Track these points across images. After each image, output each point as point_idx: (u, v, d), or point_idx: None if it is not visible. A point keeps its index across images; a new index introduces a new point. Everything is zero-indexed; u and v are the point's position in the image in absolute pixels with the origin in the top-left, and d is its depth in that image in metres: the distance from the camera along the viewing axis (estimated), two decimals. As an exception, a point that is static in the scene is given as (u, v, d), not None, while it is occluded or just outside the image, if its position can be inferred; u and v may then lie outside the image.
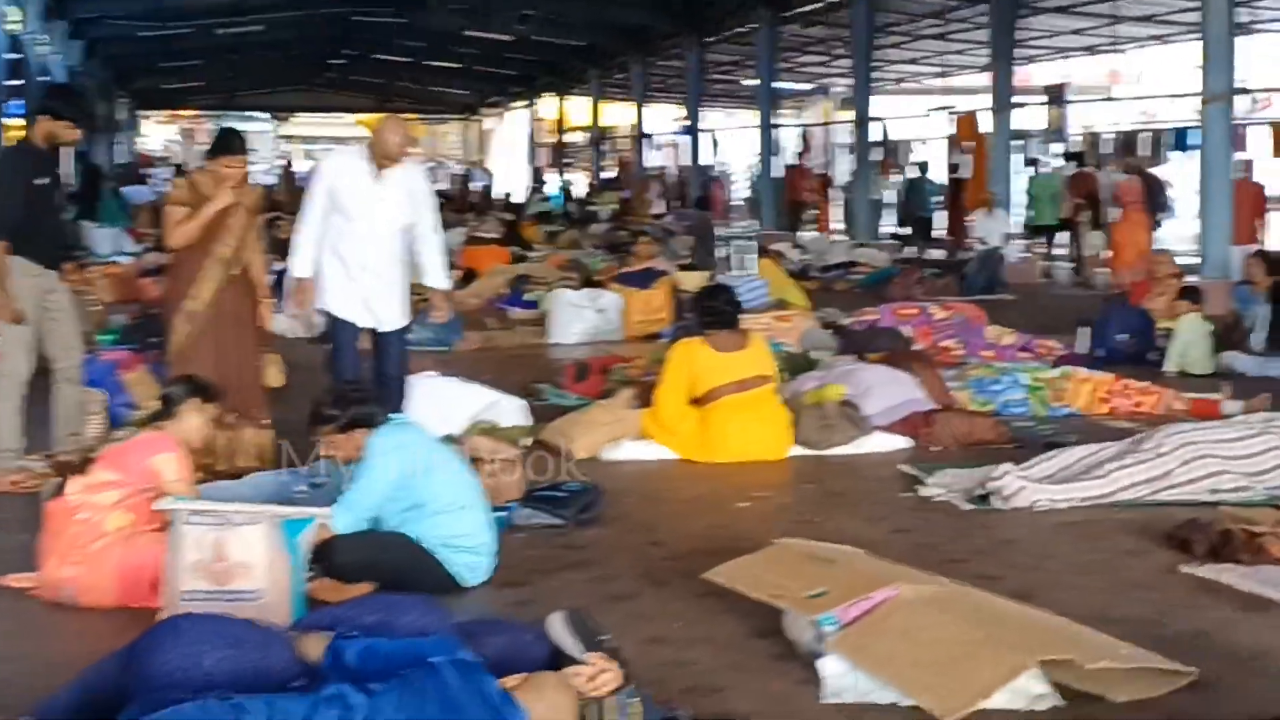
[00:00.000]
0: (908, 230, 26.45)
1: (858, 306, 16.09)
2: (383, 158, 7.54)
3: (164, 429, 5.92)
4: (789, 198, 30.07)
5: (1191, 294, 11.82)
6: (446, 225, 28.50)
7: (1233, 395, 9.64)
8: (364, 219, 7.60)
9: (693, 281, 15.69)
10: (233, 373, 7.68)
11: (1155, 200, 19.43)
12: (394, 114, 7.99)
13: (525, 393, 10.12)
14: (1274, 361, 11.15)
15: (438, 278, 7.97)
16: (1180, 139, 23.68)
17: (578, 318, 13.50)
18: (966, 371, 9.64)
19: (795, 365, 10.00)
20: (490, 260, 20.23)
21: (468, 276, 19.25)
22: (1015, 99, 22.57)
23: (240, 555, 5.18)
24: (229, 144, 7.91)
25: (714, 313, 8.27)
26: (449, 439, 7.97)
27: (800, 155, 33.60)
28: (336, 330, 7.76)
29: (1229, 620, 5.42)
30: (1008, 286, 19.18)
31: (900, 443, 8.34)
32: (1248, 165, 19.66)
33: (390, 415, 5.81)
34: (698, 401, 8.12)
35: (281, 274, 15.52)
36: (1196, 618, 5.46)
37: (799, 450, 8.18)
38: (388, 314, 7.73)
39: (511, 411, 8.53)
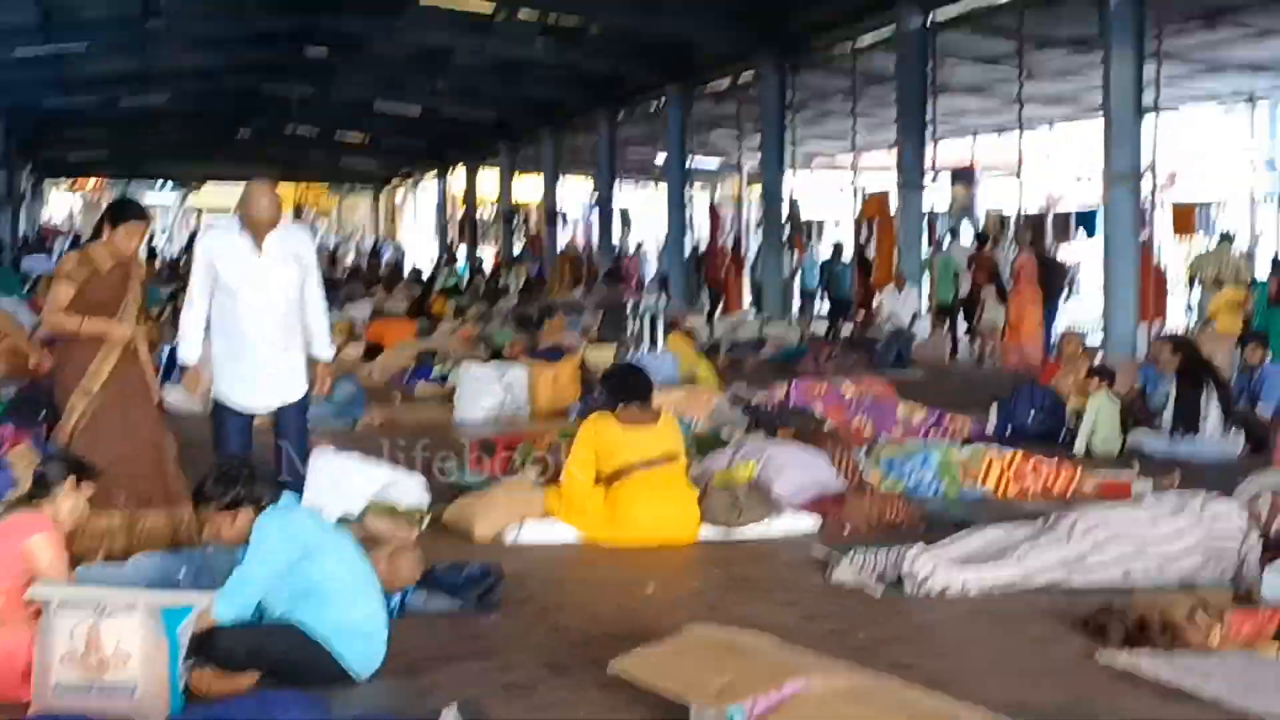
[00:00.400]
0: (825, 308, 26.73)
1: (768, 383, 16.01)
2: (255, 225, 7.18)
3: (39, 509, 5.61)
4: (710, 276, 29.82)
5: (1102, 372, 11.79)
6: (353, 298, 28.49)
7: (1142, 475, 9.59)
8: (252, 291, 7.23)
9: (601, 357, 15.54)
10: (146, 452, 7.35)
11: (1053, 280, 19.74)
12: (260, 177, 7.53)
13: (428, 470, 9.88)
14: (1181, 441, 11.12)
15: (321, 348, 7.54)
16: (1087, 220, 23.97)
17: (485, 392, 13.23)
18: (877, 450, 9.50)
19: (704, 443, 9.82)
20: (397, 334, 19.95)
21: (373, 351, 18.99)
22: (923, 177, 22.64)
23: (115, 646, 4.89)
24: (125, 213, 7.55)
25: (625, 389, 8.08)
26: (345, 520, 7.73)
27: (712, 232, 33.65)
28: (224, 417, 7.36)
29: (1148, 709, 5.28)
30: (917, 364, 19.17)
31: (811, 523, 8.16)
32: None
33: (278, 496, 5.52)
34: (605, 480, 7.91)
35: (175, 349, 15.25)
36: (1115, 707, 5.31)
37: (709, 530, 7.97)
38: (285, 388, 7.37)
39: (411, 490, 8.25)
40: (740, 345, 21.67)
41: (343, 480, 7.97)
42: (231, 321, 7.27)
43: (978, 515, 8.52)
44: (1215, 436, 11.12)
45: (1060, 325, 20.51)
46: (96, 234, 7.69)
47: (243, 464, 5.61)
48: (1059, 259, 23.94)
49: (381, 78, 37.14)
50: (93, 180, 63.57)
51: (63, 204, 68.11)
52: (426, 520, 8.05)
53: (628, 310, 15.97)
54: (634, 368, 8.60)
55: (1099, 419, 11.35)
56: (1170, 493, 7.93)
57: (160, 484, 7.36)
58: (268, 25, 29.71)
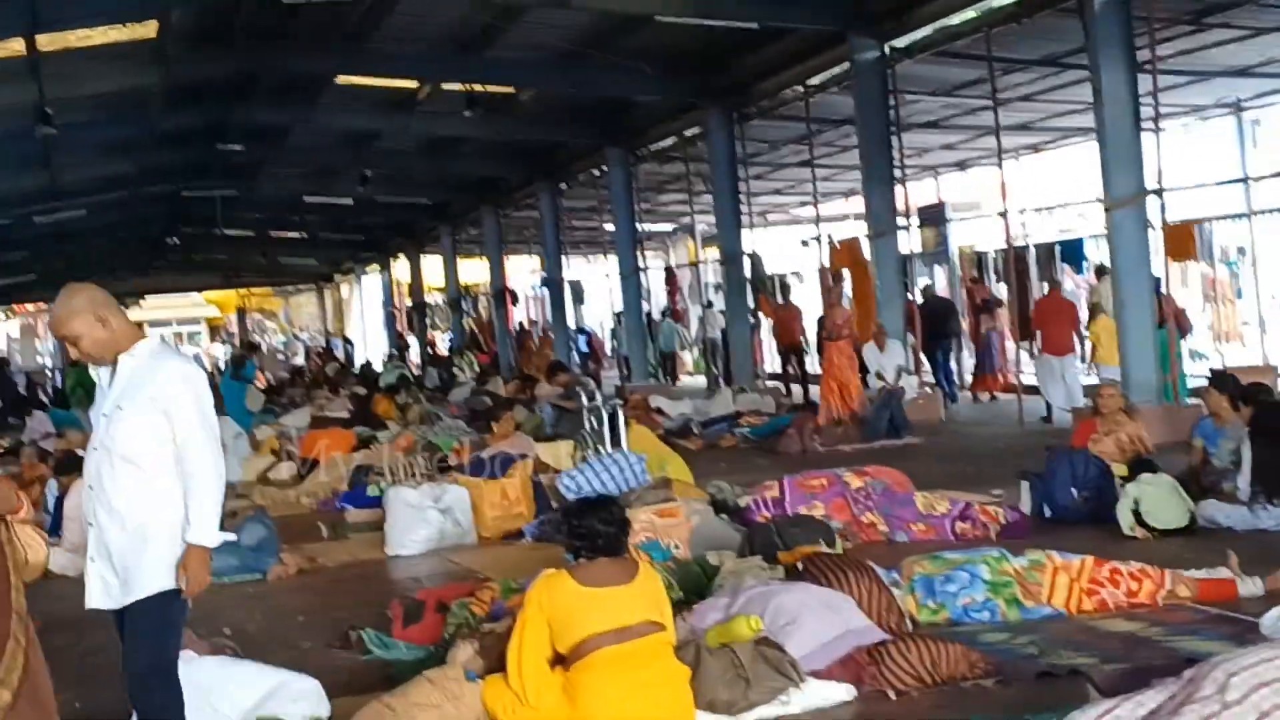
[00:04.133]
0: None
1: (750, 471, 14.04)
2: (77, 350, 5.22)
3: None
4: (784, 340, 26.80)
5: (1145, 465, 9.83)
6: (293, 404, 26.42)
7: (1241, 567, 7.58)
8: (95, 442, 5.27)
9: (555, 456, 13.52)
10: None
11: (942, 322, 21.26)
12: (74, 283, 5.29)
13: (341, 642, 7.80)
14: (1267, 512, 9.11)
15: (196, 530, 5.17)
16: (1072, 251, 22.16)
17: (419, 521, 11.06)
18: (909, 567, 7.43)
19: (688, 578, 7.73)
20: (333, 445, 17.85)
21: (308, 467, 16.95)
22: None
23: None
24: None
25: (588, 536, 5.94)
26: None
27: (670, 297, 31.80)
28: None
29: None
30: (911, 427, 17.20)
31: (844, 692, 6.00)
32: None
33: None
34: (564, 660, 5.82)
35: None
36: None
37: (706, 717, 5.89)
38: (122, 582, 5.17)
39: (304, 697, 6.14)
40: (713, 421, 19.71)
41: (209, 694, 5.88)
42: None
43: (1054, 647, 6.54)
44: (1307, 502, 9.13)
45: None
46: None
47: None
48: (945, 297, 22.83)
49: (308, 169, 35.27)
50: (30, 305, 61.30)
51: (3, 331, 65.75)
52: (327, 736, 5.98)
53: (584, 402, 13.89)
54: (599, 502, 6.31)
55: (1153, 496, 9.35)
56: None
57: None
58: (174, 124, 27.66)
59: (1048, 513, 10.06)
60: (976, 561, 7.38)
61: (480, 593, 7.62)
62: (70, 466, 11.55)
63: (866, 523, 9.88)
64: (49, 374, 50.58)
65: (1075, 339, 17.98)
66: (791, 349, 24.81)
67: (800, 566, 7.04)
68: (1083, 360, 18.89)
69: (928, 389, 20.22)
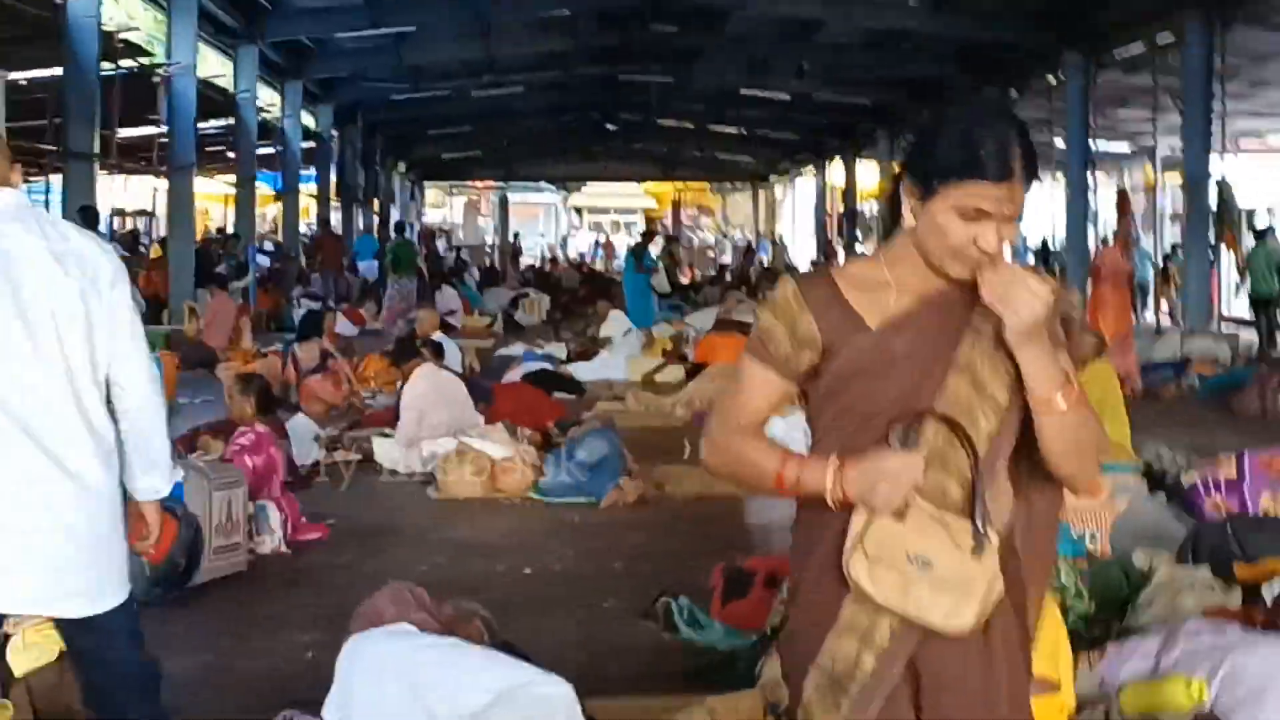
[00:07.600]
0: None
1: (1197, 430, 11.75)
2: None
3: None
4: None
5: None
6: (707, 303, 25.22)
7: None
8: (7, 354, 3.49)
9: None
10: None
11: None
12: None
13: (648, 610, 6.24)
14: None
15: (147, 476, 3.66)
16: None
17: (790, 442, 9.34)
18: None
19: (1105, 584, 5.75)
20: (725, 354, 16.43)
21: (692, 373, 15.66)
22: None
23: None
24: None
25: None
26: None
27: (1121, 223, 28.75)
28: None
29: None
30: None
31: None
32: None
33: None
34: None
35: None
36: None
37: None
38: (68, 579, 3.52)
39: (543, 706, 4.53)
40: (1157, 368, 17.17)
41: (431, 690, 4.38)
42: None
43: None
44: None
45: None
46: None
47: None
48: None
49: (745, 60, 33.82)
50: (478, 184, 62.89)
51: (447, 208, 67.74)
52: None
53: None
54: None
55: None
56: None
57: None
58: (614, 2, 26.82)
59: None
60: None
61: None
62: (410, 352, 10.44)
63: (1357, 528, 7.61)
64: (488, 250, 51.63)
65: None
66: None
67: (1269, 600, 5.00)
68: None
69: None
